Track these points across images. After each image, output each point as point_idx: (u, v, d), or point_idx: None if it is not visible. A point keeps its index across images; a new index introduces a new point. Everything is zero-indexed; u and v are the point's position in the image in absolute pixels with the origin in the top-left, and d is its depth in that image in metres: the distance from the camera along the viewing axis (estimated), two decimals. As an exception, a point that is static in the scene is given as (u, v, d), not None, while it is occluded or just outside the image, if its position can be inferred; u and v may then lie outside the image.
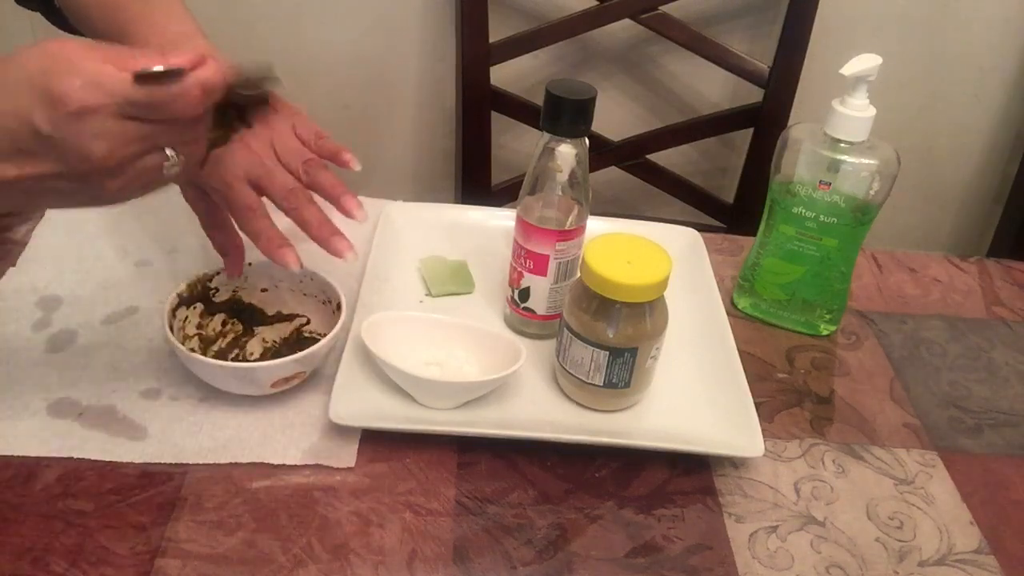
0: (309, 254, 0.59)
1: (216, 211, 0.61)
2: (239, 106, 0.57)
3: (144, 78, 0.42)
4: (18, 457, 0.55)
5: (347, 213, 0.59)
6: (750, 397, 0.61)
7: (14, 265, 0.69)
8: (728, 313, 0.70)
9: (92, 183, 0.44)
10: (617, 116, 1.48)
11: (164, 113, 0.44)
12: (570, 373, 0.61)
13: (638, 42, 1.43)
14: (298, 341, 0.64)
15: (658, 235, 0.67)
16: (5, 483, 0.53)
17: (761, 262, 0.73)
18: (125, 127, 0.43)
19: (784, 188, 0.69)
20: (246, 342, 0.64)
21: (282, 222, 0.59)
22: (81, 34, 0.65)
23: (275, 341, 0.64)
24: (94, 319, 0.65)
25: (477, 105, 1.29)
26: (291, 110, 0.62)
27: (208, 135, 0.50)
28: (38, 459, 0.55)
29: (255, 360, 0.63)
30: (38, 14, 0.71)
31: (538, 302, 0.67)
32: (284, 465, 0.56)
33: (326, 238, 0.58)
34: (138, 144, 0.44)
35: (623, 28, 1.34)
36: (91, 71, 0.42)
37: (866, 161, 0.66)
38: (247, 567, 0.50)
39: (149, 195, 0.48)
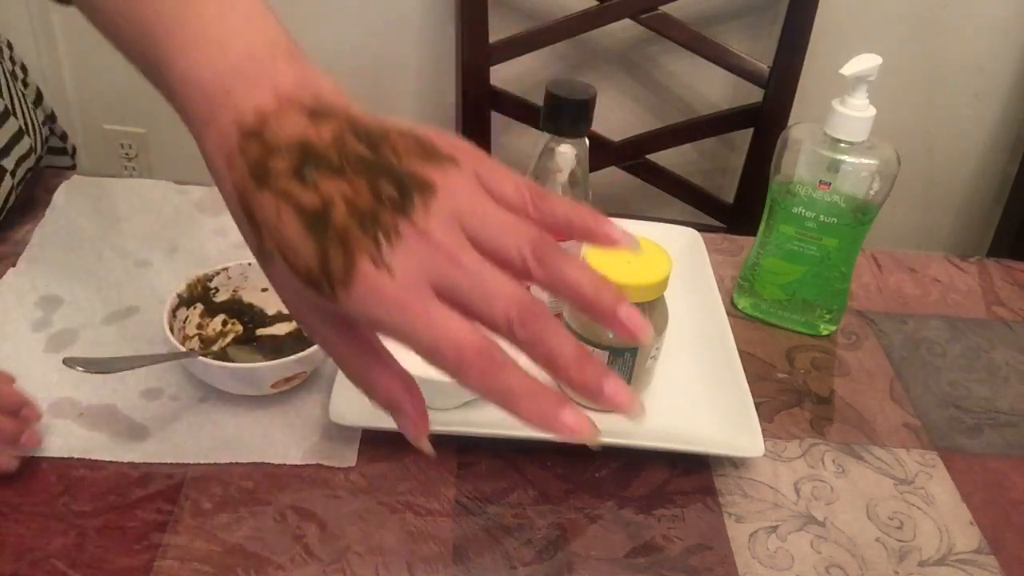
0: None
1: (370, 346, 0.40)
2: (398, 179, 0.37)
3: None
4: (18, 457, 0.54)
5: (630, 333, 0.36)
6: (750, 397, 0.61)
7: (14, 266, 0.69)
8: (728, 313, 0.70)
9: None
10: (617, 116, 1.48)
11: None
12: (570, 373, 0.61)
13: (638, 42, 1.43)
14: (298, 341, 0.64)
15: (658, 235, 0.67)
16: (5, 483, 0.53)
17: (761, 262, 0.73)
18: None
19: (784, 188, 0.69)
20: (246, 342, 0.64)
21: None
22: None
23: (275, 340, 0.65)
24: (95, 319, 0.65)
25: (477, 105, 1.29)
26: (469, 154, 0.38)
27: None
28: (38, 459, 0.55)
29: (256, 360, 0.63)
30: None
31: (538, 302, 0.66)
32: (284, 465, 0.56)
33: (594, 387, 0.35)
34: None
35: (623, 28, 1.34)
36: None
37: (866, 161, 0.66)
38: (247, 567, 0.50)
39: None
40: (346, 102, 0.39)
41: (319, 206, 0.35)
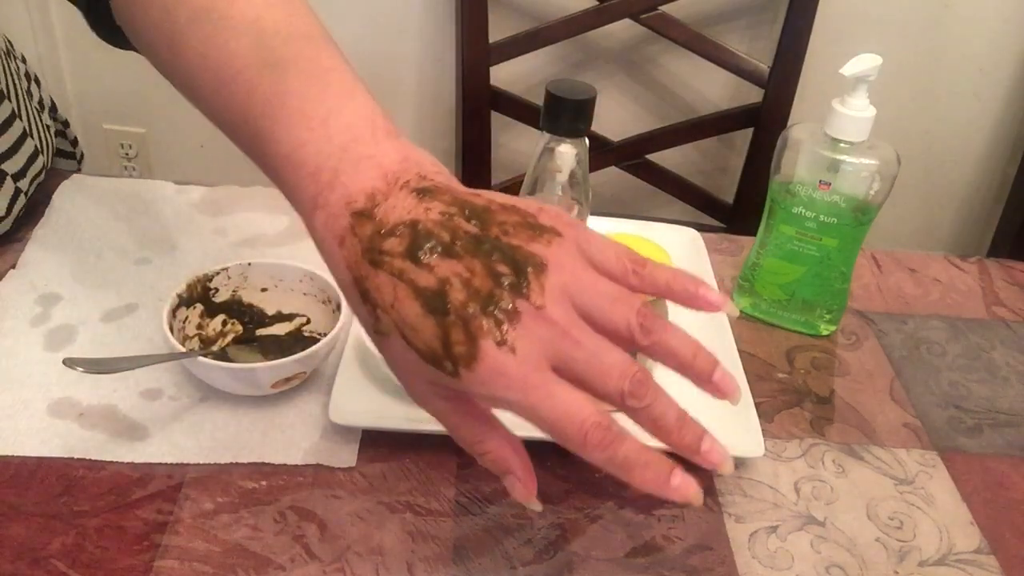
0: (309, 251, 0.59)
1: (482, 416, 0.41)
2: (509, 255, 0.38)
3: None
4: (18, 457, 0.55)
5: (724, 394, 0.42)
6: (750, 397, 0.61)
7: (14, 266, 0.69)
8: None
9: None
10: (617, 116, 1.48)
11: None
12: (570, 373, 0.61)
13: (638, 42, 1.43)
14: (298, 341, 0.64)
15: (658, 235, 0.67)
16: (5, 483, 0.53)
17: (761, 262, 0.73)
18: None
19: (784, 188, 0.69)
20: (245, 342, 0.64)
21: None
22: (133, 48, 0.52)
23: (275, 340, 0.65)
24: (93, 316, 0.65)
25: (477, 105, 1.30)
26: (567, 224, 0.40)
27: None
28: (38, 459, 0.55)
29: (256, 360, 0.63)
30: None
31: (538, 302, 0.66)
32: (284, 465, 0.56)
33: (693, 448, 0.40)
34: None
35: (623, 28, 1.34)
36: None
37: (866, 161, 0.66)
38: (247, 567, 0.50)
39: None
40: (447, 178, 0.40)
41: (436, 286, 0.36)
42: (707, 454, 0.39)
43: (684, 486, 0.38)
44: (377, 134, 0.41)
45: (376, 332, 0.39)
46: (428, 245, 0.37)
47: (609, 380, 0.37)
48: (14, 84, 0.75)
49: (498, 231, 0.38)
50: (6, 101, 0.72)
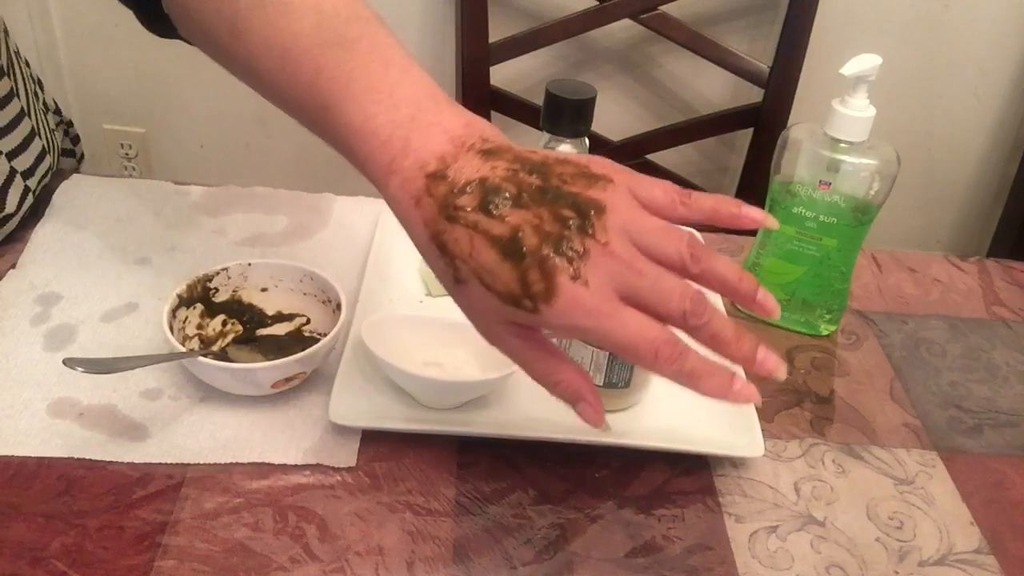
0: (309, 251, 0.59)
1: (550, 349, 0.45)
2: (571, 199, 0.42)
3: None
4: (18, 457, 0.54)
5: (766, 311, 0.44)
6: (750, 397, 0.61)
7: (14, 267, 0.69)
8: (728, 313, 0.70)
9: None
10: (617, 116, 1.48)
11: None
12: (570, 373, 0.61)
13: (638, 42, 1.43)
14: (298, 341, 0.64)
15: (658, 235, 0.67)
16: (5, 483, 0.53)
17: (761, 262, 0.73)
18: None
19: (784, 188, 0.69)
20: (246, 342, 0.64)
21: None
22: (188, 41, 0.54)
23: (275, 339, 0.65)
24: (93, 316, 0.65)
25: (477, 105, 1.29)
26: (616, 171, 0.44)
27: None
28: (38, 459, 0.54)
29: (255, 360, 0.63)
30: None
31: (538, 302, 0.66)
32: (284, 465, 0.56)
33: (750, 357, 0.43)
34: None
35: (623, 28, 1.34)
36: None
37: (866, 161, 0.66)
38: (247, 567, 0.50)
39: None
40: (507, 140, 0.44)
41: (510, 234, 0.41)
42: (763, 362, 0.42)
43: (746, 389, 0.43)
44: (440, 103, 0.45)
45: (456, 281, 0.43)
46: (498, 199, 0.41)
47: (671, 302, 0.41)
48: (23, 83, 0.75)
49: (558, 181, 0.42)
50: (15, 99, 0.72)
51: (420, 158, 0.43)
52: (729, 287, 0.43)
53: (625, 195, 0.43)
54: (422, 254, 0.44)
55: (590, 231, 0.41)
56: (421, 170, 0.43)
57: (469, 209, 0.41)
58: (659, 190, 0.44)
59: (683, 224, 0.44)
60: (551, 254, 0.40)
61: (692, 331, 0.42)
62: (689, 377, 0.42)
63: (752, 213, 0.45)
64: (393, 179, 0.43)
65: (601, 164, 0.44)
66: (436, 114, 0.44)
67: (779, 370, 0.43)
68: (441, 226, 0.42)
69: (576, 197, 0.41)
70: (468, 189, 0.41)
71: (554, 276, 0.40)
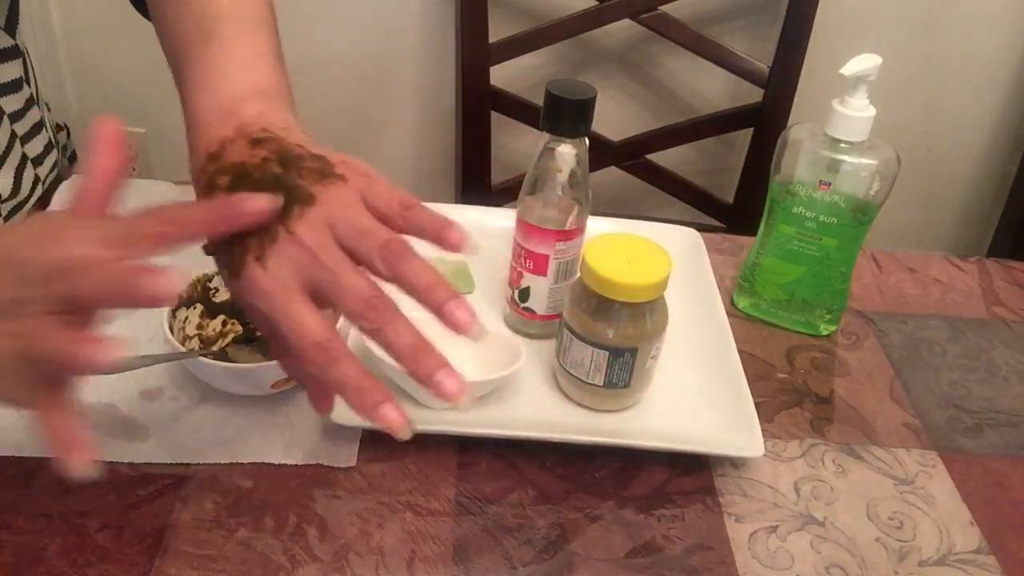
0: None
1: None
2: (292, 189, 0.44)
3: None
4: (18, 457, 0.55)
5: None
6: (750, 397, 0.61)
7: (14, 265, 0.69)
8: (728, 313, 0.70)
9: None
10: (617, 116, 1.48)
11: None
12: (570, 373, 0.61)
13: (638, 42, 1.43)
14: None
15: (658, 235, 0.67)
16: (5, 483, 0.53)
17: (761, 262, 0.73)
18: None
19: (784, 188, 0.69)
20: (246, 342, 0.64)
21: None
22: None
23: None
24: (94, 319, 0.65)
25: (477, 105, 1.29)
26: (359, 174, 0.45)
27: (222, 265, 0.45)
28: (38, 459, 0.55)
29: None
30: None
31: (538, 302, 0.67)
32: (284, 465, 0.56)
33: (424, 374, 0.41)
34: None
35: (623, 28, 1.34)
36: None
37: (866, 161, 0.66)
38: (247, 567, 0.50)
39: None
40: (287, 134, 0.46)
41: None
42: (439, 384, 0.41)
43: (392, 417, 0.40)
44: (253, 97, 0.49)
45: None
46: (243, 181, 0.44)
47: (345, 300, 0.41)
48: (32, 75, 0.76)
49: (295, 173, 0.44)
50: (25, 86, 0.72)
51: (209, 142, 0.47)
52: (417, 292, 0.42)
53: (349, 195, 0.44)
54: None
55: (284, 219, 0.42)
56: (206, 151, 0.47)
57: (223, 188, 0.44)
58: (387, 198, 0.44)
59: (407, 234, 0.44)
60: (249, 236, 0.43)
61: (367, 335, 0.42)
62: (333, 386, 0.41)
63: (451, 236, 0.43)
64: (192, 157, 0.48)
65: (349, 166, 0.45)
66: (240, 106, 0.48)
67: (460, 399, 0.41)
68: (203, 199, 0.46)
69: (296, 188, 0.43)
70: (227, 171, 0.45)
71: (244, 255, 0.43)
